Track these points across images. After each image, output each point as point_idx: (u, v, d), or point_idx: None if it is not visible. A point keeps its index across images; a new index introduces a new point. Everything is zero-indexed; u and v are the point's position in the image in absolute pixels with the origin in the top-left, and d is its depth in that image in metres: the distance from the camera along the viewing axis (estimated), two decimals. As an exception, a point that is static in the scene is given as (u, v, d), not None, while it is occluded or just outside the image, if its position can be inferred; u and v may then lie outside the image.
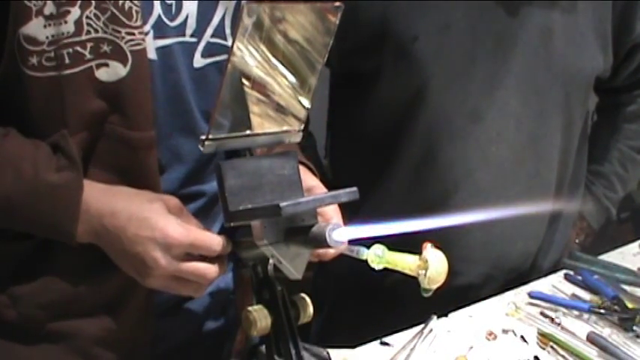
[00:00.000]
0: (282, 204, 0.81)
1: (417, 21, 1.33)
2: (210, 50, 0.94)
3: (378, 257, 0.89)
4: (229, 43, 0.92)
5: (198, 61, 0.94)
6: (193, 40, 0.93)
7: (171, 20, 0.91)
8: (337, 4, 0.88)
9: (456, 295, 1.39)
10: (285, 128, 0.93)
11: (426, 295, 0.92)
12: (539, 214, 1.47)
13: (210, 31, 0.94)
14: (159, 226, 0.83)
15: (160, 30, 0.90)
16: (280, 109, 0.93)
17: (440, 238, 1.37)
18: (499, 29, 1.33)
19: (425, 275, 0.90)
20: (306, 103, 0.94)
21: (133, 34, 0.85)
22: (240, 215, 0.86)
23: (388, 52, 1.34)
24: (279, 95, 0.92)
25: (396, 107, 1.37)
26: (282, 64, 0.91)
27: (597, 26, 1.41)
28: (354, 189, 0.90)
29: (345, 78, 1.36)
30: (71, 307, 0.90)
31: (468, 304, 1.31)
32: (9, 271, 0.91)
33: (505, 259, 1.43)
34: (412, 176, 1.35)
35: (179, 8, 0.91)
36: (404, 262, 0.90)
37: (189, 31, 0.92)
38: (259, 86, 0.90)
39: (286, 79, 0.92)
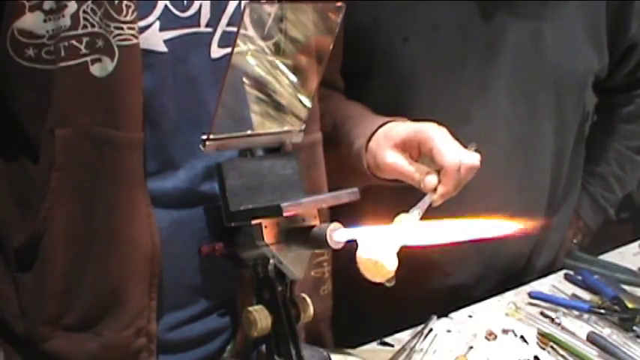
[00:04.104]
0: (283, 204, 0.81)
1: (406, 22, 1.33)
2: (227, 40, 0.92)
3: None
4: (251, 25, 0.90)
5: (216, 51, 0.92)
6: (209, 30, 0.91)
7: (183, 11, 0.89)
8: (339, 4, 0.88)
9: (449, 295, 1.40)
10: (286, 128, 0.93)
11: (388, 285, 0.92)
12: (533, 215, 1.47)
13: (225, 20, 0.92)
14: None
15: (169, 22, 0.88)
16: (281, 109, 0.92)
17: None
18: (488, 30, 1.33)
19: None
20: (308, 102, 0.94)
21: (122, 28, 0.84)
22: (240, 215, 0.86)
23: (378, 54, 1.34)
24: (281, 95, 0.92)
25: (386, 108, 1.37)
26: (284, 64, 0.91)
27: (590, 27, 1.41)
28: (355, 189, 0.90)
29: None
30: (73, 322, 0.89)
31: (468, 304, 1.31)
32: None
33: (498, 259, 1.43)
34: None
35: None
36: None
37: (203, 20, 0.91)
38: (260, 85, 0.90)
39: (287, 78, 0.92)
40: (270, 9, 0.87)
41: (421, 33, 1.33)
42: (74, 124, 0.85)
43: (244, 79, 0.88)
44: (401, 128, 1.07)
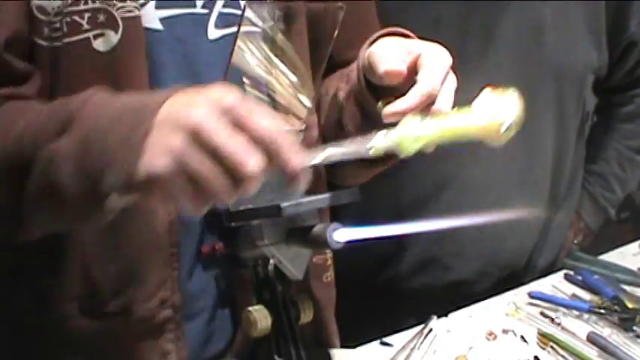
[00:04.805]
0: (283, 204, 0.81)
1: (407, 16, 1.33)
2: (223, 21, 0.92)
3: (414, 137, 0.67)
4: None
5: (213, 32, 0.92)
6: (205, 11, 0.91)
7: None
8: (339, 4, 0.88)
9: (449, 291, 1.40)
10: (286, 128, 0.93)
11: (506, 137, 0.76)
12: (534, 212, 1.47)
13: (220, 1, 0.92)
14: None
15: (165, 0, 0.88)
16: (281, 109, 0.92)
17: (432, 234, 1.37)
18: (489, 25, 1.34)
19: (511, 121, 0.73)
20: (307, 102, 0.94)
21: (124, 0, 0.84)
22: (240, 215, 0.86)
23: None
24: (280, 95, 0.92)
25: None
26: (284, 64, 0.91)
27: (590, 23, 1.42)
28: (356, 189, 0.90)
29: None
30: (97, 298, 0.88)
31: (468, 304, 1.31)
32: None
33: (499, 255, 1.44)
34: (403, 172, 1.35)
35: None
36: (468, 123, 0.70)
37: (199, 2, 0.91)
38: (260, 85, 0.90)
39: (287, 78, 0.92)
40: (271, 8, 0.87)
41: (421, 27, 1.33)
42: None
43: (244, 79, 0.88)
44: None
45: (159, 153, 0.67)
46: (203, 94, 0.69)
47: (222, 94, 0.67)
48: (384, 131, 0.70)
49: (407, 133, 0.68)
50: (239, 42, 0.82)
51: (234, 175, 0.66)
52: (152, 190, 0.68)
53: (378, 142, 0.68)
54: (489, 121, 0.72)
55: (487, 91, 0.73)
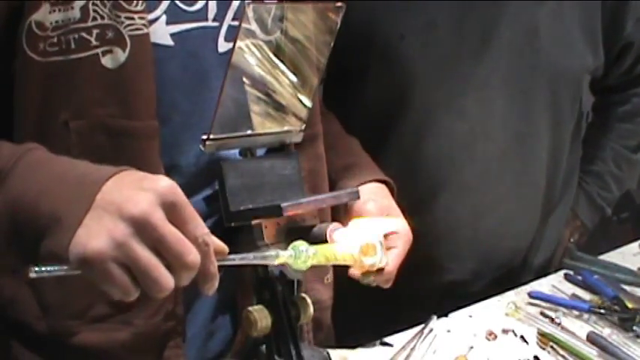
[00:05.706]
0: (283, 204, 0.81)
1: (403, 20, 1.33)
2: (233, 34, 0.90)
3: (303, 254, 0.79)
4: (252, 25, 0.90)
5: (223, 45, 0.92)
6: (216, 24, 0.92)
7: (190, 5, 0.89)
8: (339, 4, 0.88)
9: (445, 292, 1.40)
10: (286, 128, 0.93)
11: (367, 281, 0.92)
12: (529, 212, 1.47)
13: (230, 14, 0.92)
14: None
15: (175, 15, 0.88)
16: (281, 109, 0.92)
17: (428, 235, 1.37)
18: (484, 28, 1.34)
19: (377, 259, 0.86)
20: (308, 102, 0.94)
21: (133, 18, 0.84)
22: (240, 215, 0.86)
23: (375, 51, 1.35)
24: (281, 94, 0.92)
25: (383, 106, 1.38)
26: (284, 64, 0.91)
27: (585, 25, 1.42)
28: (355, 189, 0.91)
29: (334, 77, 1.37)
30: (101, 314, 0.88)
31: (468, 304, 1.32)
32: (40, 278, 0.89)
33: (493, 255, 1.44)
34: (399, 174, 1.36)
35: None
36: (343, 253, 0.84)
37: (211, 15, 0.91)
38: (260, 85, 0.90)
39: (288, 78, 0.92)
40: (271, 9, 0.87)
41: (418, 30, 1.33)
42: (88, 115, 0.84)
43: (244, 79, 0.88)
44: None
45: (97, 235, 0.68)
46: (148, 184, 0.70)
47: (167, 188, 0.70)
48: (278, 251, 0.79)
49: (297, 259, 0.80)
50: (239, 42, 0.82)
51: (175, 263, 0.69)
52: (81, 269, 0.69)
53: (278, 260, 0.79)
54: (360, 256, 0.85)
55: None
